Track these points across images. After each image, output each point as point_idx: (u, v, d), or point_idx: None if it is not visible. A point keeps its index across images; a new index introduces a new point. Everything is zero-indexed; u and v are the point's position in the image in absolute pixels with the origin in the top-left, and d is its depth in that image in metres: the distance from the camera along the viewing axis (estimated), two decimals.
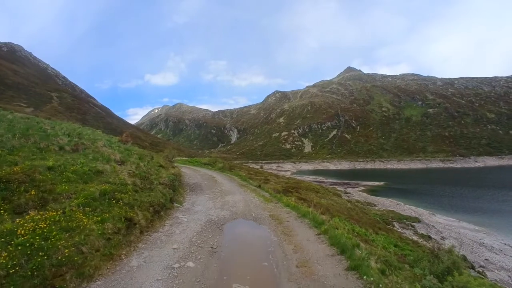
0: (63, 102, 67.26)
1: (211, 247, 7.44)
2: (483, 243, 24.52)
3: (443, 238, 24.29)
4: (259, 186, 19.23)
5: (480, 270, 17.61)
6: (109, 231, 6.69)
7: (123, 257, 6.46)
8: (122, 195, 8.75)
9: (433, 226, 28.02)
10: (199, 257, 6.82)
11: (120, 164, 12.75)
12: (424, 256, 10.67)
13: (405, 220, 28.32)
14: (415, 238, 22.25)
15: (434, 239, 23.25)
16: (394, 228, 24.47)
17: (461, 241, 24.12)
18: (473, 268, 17.72)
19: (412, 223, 27.66)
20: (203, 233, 8.56)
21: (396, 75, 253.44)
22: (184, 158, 49.43)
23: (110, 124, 71.38)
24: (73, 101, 71.40)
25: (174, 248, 7.22)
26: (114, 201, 8.19)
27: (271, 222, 10.21)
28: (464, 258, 18.87)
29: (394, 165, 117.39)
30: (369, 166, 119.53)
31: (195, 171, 26.92)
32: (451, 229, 28.24)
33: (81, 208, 7.07)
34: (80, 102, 76.32)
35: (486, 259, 20.60)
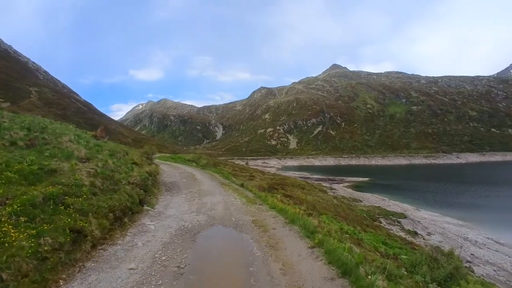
0: (42, 97, 64.06)
1: (178, 267, 5.87)
2: (467, 238, 24.51)
3: (429, 234, 23.94)
4: (242, 185, 17.33)
5: (467, 266, 17.05)
6: (47, 247, 5.23)
7: (61, 284, 4.95)
8: (75, 199, 7.23)
9: (419, 221, 27.76)
10: (160, 282, 5.30)
11: (84, 162, 11.16)
12: (420, 258, 9.71)
13: (391, 216, 27.90)
14: (402, 234, 21.81)
15: (420, 234, 22.83)
16: (381, 224, 23.92)
17: (446, 236, 23.91)
18: None
19: (398, 219, 27.27)
20: (171, 246, 7.09)
21: (381, 72, 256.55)
22: (167, 155, 47.78)
23: (92, 119, 68.50)
24: (53, 96, 68.11)
25: (131, 269, 5.66)
26: (62, 207, 6.68)
27: (254, 230, 8.76)
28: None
29: (378, 161, 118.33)
30: (353, 162, 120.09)
31: (176, 168, 24.78)
32: (436, 224, 28.13)
33: (14, 217, 5.61)
34: (61, 97, 72.92)
35: (471, 254, 20.41)
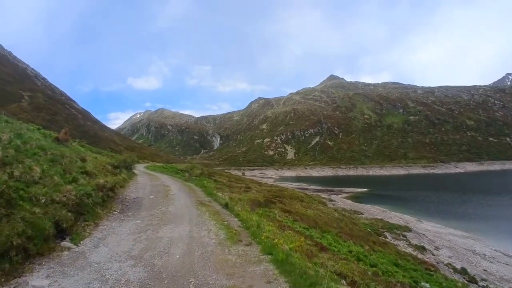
0: (34, 102, 63.19)
1: None
2: (475, 251, 23.35)
3: (437, 248, 22.73)
4: (227, 206, 12.18)
5: (484, 285, 15.90)
6: None
7: None
8: None
9: (424, 234, 26.56)
10: None
11: None
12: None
13: (395, 230, 26.60)
14: (410, 250, 20.48)
15: (428, 249, 21.64)
16: (387, 239, 22.64)
17: (455, 250, 22.70)
18: (475, 282, 16.04)
19: (403, 233, 25.98)
20: None
21: (378, 83, 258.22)
22: (159, 164, 46.51)
23: (82, 126, 67.51)
24: (45, 102, 67.23)
25: None
26: None
27: None
28: (465, 271, 17.18)
29: (376, 171, 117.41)
30: (351, 172, 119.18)
31: (154, 179, 21.09)
32: (440, 236, 26.98)
33: None
34: (53, 103, 71.99)
35: (484, 270, 19.11)
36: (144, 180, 19.60)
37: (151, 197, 13.21)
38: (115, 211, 10.04)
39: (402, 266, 12.96)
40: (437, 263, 17.95)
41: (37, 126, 19.89)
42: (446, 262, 19.00)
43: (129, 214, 9.89)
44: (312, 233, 13.65)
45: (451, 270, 17.16)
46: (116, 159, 21.80)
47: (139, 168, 33.03)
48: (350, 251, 12.18)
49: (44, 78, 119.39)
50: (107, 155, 33.31)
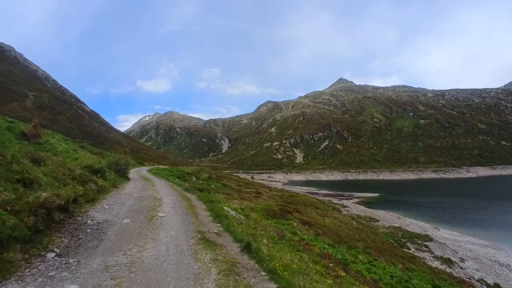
0: (38, 101, 63.44)
1: None
2: (499, 261, 22.62)
3: (462, 260, 22.04)
4: (249, 247, 7.04)
5: None
6: None
7: None
8: None
9: (444, 244, 25.87)
10: None
11: None
12: None
13: (416, 239, 25.86)
14: (438, 264, 19.90)
15: (454, 262, 20.89)
16: (411, 251, 21.99)
17: (480, 261, 21.99)
18: None
19: (425, 243, 25.32)
20: None
21: (388, 86, 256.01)
22: (164, 167, 46.24)
23: (86, 126, 67.71)
24: (50, 102, 67.56)
25: None
26: None
27: None
28: None
29: (386, 175, 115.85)
30: (361, 177, 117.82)
31: (147, 187, 17.10)
32: (460, 245, 26.31)
33: None
34: (59, 102, 72.17)
35: None
36: (134, 188, 15.66)
37: (125, 221, 8.58)
38: (51, 251, 5.69)
39: None
40: (469, 278, 17.30)
41: (9, 119, 17.65)
42: (477, 277, 18.36)
43: (71, 262, 5.43)
44: (346, 255, 12.93)
45: (485, 287, 16.49)
46: (107, 160, 19.27)
47: (142, 171, 31.93)
48: (392, 276, 11.63)
49: (54, 80, 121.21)
50: (109, 156, 31.23)
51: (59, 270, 5.07)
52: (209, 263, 5.99)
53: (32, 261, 5.15)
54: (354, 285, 8.63)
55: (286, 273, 6.06)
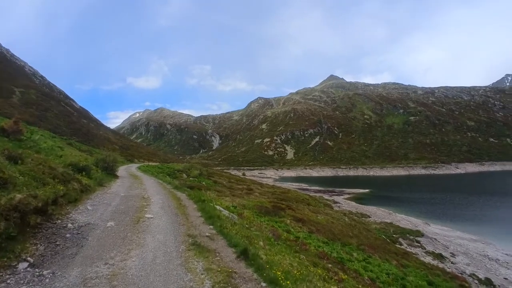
0: (25, 97, 61.93)
1: None
2: (489, 256, 22.69)
3: (453, 255, 22.07)
4: (245, 252, 6.39)
5: None
6: None
7: None
8: None
9: (435, 239, 25.94)
10: None
11: None
12: None
13: (408, 235, 25.84)
14: (430, 259, 19.78)
15: (446, 257, 20.94)
16: (403, 246, 21.95)
17: (470, 256, 22.04)
18: None
19: (417, 238, 25.32)
20: None
21: (378, 83, 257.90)
22: (154, 164, 45.48)
23: (75, 123, 66.24)
24: (37, 98, 66.00)
25: None
26: None
27: None
28: (490, 282, 16.45)
29: (376, 172, 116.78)
30: (351, 173, 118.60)
31: (135, 185, 16.32)
32: (451, 241, 26.37)
33: None
34: (46, 99, 70.49)
35: (505, 278, 18.29)
36: (121, 187, 14.96)
37: (109, 224, 7.78)
38: (24, 260, 5.01)
39: (435, 284, 12.18)
40: (461, 273, 17.22)
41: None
42: (468, 272, 18.24)
43: (44, 274, 4.74)
44: (341, 253, 12.59)
45: (477, 282, 16.45)
46: (95, 158, 18.67)
47: (131, 168, 31.00)
48: (388, 274, 11.38)
49: (42, 76, 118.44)
50: (97, 154, 30.59)
51: (30, 284, 4.40)
52: (202, 274, 5.33)
53: (1, 274, 4.47)
54: None
55: (288, 282, 5.50)
